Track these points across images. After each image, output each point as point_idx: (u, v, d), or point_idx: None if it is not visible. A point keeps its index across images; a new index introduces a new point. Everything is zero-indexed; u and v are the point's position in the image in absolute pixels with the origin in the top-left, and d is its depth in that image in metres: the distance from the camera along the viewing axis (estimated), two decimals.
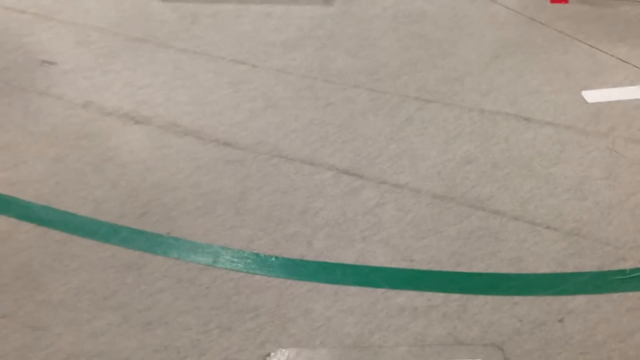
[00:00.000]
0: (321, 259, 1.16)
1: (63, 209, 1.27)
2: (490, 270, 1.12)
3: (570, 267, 1.12)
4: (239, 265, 1.16)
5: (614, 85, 1.56)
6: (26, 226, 1.22)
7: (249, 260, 1.17)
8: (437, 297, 1.07)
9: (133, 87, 1.62)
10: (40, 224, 1.23)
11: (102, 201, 1.29)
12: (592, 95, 1.53)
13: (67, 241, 1.20)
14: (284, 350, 1.01)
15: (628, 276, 1.11)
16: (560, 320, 1.03)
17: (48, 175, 1.35)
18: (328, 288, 1.11)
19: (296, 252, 1.18)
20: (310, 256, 1.17)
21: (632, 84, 1.57)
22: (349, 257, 1.16)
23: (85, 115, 1.52)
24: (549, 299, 1.07)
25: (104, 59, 1.71)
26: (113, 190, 1.32)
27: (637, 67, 1.62)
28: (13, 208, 1.27)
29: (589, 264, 1.13)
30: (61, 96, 1.58)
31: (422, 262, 1.14)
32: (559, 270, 1.12)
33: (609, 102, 1.51)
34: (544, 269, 1.12)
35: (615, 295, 1.07)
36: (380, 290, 1.10)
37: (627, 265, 1.12)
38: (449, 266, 1.13)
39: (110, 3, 1.95)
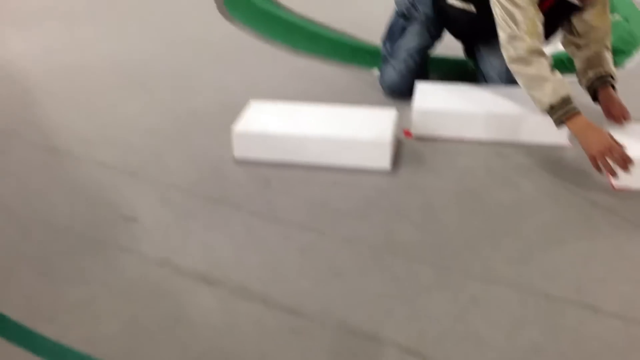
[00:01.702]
0: None
1: None
2: None
3: None
4: None
5: None
6: None
7: None
8: None
9: (207, 248, 1.70)
10: None
11: None
12: None
13: None
14: None
15: None
16: None
17: (122, 333, 1.41)
18: None
19: None
20: None
21: None
22: None
23: (160, 273, 1.60)
24: None
25: (182, 218, 1.82)
26: (182, 352, 1.35)
27: None
28: None
29: None
30: (140, 253, 1.67)
31: None
32: None
33: None
34: None
35: None
36: None
37: None
38: None
39: (190, 164, 2.10)
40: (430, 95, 2.29)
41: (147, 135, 2.28)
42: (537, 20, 1.97)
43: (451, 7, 2.36)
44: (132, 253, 1.68)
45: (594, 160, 1.88)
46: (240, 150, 2.10)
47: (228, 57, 3.02)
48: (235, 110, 2.37)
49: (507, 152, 2.15)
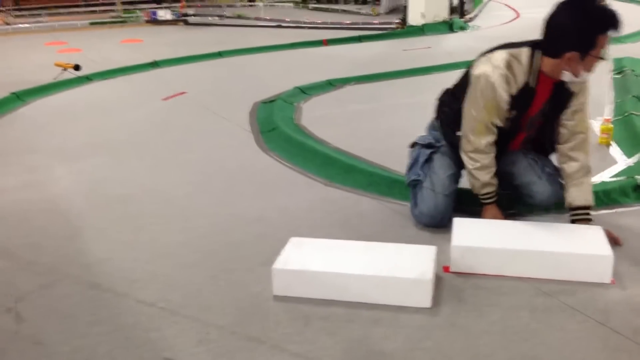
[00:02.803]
0: None
1: None
2: None
3: None
4: None
5: None
6: None
7: None
8: None
9: None
10: None
11: None
12: None
13: None
14: None
15: None
16: None
17: None
18: None
19: None
20: None
21: None
22: None
23: None
24: None
25: None
26: None
27: None
28: None
29: None
30: None
31: None
32: None
33: None
34: None
35: None
36: None
37: None
38: None
39: (230, 300, 2.10)
40: (469, 231, 2.31)
41: (187, 270, 2.31)
42: (490, 123, 2.42)
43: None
44: None
45: None
46: (279, 288, 2.10)
47: (265, 189, 3.11)
48: (273, 243, 2.41)
49: (549, 290, 2.11)
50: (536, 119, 2.47)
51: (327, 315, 2.01)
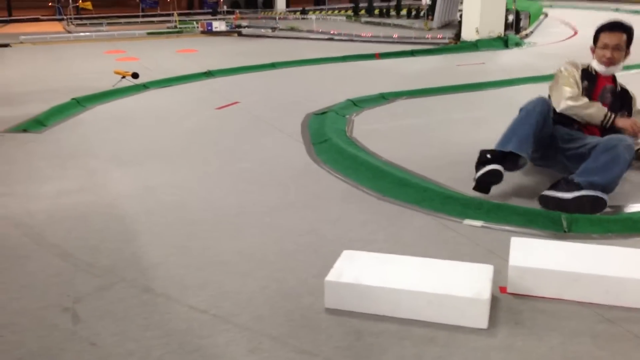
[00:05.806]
0: None
1: None
2: None
3: None
4: None
5: None
6: None
7: None
8: None
9: None
10: None
11: None
12: None
13: None
14: None
15: None
16: None
17: None
18: None
19: None
20: None
21: None
22: None
23: None
24: None
25: None
26: None
27: None
28: None
29: None
30: None
31: None
32: None
33: None
34: None
35: None
36: None
37: None
38: None
39: (282, 311, 2.09)
40: (527, 251, 2.23)
41: (238, 278, 2.31)
42: (574, 80, 3.28)
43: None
44: None
45: (627, 131, 3.13)
46: (331, 301, 2.08)
47: (317, 201, 3.09)
48: (324, 255, 2.39)
49: (612, 316, 2.02)
50: (605, 96, 3.32)
51: (379, 331, 1.97)
